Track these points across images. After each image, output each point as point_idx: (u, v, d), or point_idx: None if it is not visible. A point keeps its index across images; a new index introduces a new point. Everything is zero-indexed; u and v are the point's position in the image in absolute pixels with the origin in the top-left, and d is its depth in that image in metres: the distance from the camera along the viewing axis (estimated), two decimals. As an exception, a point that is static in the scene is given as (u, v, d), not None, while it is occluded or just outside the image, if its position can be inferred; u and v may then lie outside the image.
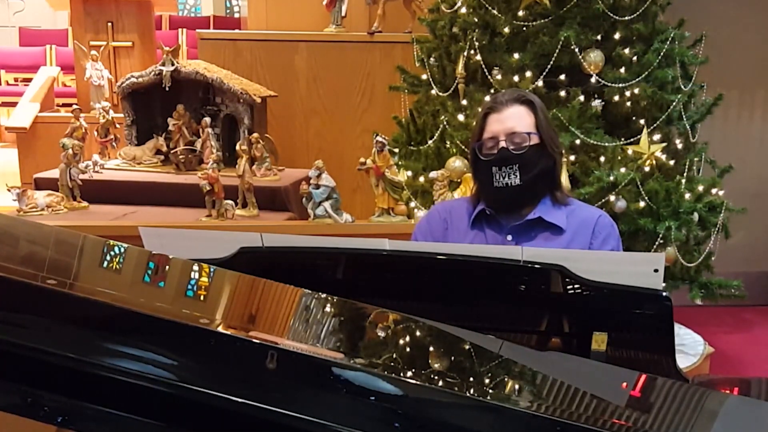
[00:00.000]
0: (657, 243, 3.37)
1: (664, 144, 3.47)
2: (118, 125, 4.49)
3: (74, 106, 4.42)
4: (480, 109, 2.07)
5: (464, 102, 3.64)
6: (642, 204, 3.37)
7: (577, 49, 3.40)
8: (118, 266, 1.41)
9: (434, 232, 2.04)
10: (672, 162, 3.59)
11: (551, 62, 3.41)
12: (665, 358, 1.48)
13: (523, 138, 1.93)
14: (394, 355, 1.19)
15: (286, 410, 0.98)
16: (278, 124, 4.75)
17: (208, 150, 4.09)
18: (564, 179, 3.30)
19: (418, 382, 1.03)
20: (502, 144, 1.93)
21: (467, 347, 1.29)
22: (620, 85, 3.47)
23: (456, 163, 3.49)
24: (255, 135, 4.04)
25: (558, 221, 1.94)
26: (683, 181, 3.52)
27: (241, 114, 4.19)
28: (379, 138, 3.41)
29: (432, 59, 3.89)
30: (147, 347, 1.04)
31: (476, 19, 3.65)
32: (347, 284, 1.61)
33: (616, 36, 3.55)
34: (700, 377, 2.05)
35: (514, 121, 1.94)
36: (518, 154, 1.92)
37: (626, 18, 3.52)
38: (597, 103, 3.49)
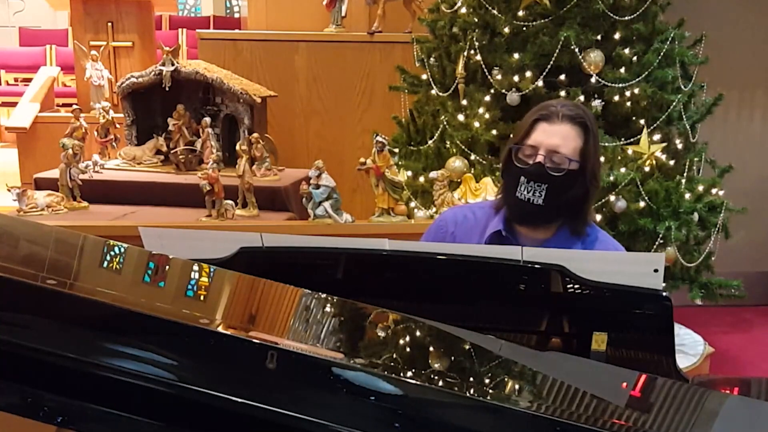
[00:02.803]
0: (657, 243, 3.37)
1: (664, 144, 3.48)
2: (118, 125, 4.48)
3: (74, 106, 4.42)
4: (533, 108, 1.92)
5: (464, 102, 3.64)
6: (642, 204, 3.37)
7: (577, 49, 3.40)
8: (118, 266, 1.41)
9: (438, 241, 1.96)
10: (672, 162, 3.59)
11: (551, 62, 3.41)
12: (665, 358, 1.47)
13: (563, 161, 1.81)
14: (394, 355, 1.19)
15: (286, 410, 0.98)
16: (278, 124, 4.74)
17: (208, 150, 4.08)
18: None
19: (418, 382, 1.03)
20: (540, 159, 1.81)
21: (467, 347, 1.29)
22: (620, 85, 3.47)
23: (456, 163, 3.49)
24: (255, 135, 4.04)
25: None
26: (683, 181, 3.53)
27: (241, 114, 4.18)
28: (379, 138, 3.40)
29: (432, 59, 3.89)
30: (147, 347, 1.04)
31: (476, 19, 3.65)
32: (347, 284, 1.61)
33: (616, 36, 3.55)
34: (700, 377, 2.05)
35: (561, 139, 1.82)
36: (552, 176, 1.81)
37: (626, 18, 3.52)
38: (597, 103, 3.49)
